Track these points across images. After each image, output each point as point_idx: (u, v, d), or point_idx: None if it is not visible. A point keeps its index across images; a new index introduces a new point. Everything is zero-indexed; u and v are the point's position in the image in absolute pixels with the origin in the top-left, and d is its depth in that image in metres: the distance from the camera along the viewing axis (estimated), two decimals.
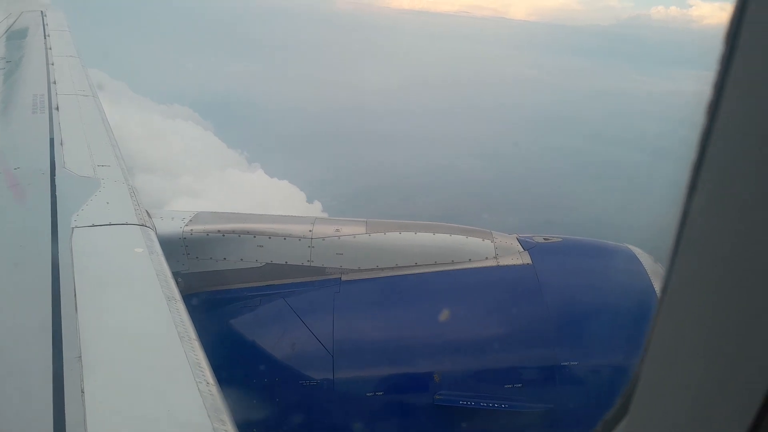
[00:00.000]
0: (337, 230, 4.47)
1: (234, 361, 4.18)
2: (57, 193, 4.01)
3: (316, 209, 58.64)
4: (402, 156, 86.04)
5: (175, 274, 3.32)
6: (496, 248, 4.40)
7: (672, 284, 0.67)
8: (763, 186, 0.56)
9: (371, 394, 4.08)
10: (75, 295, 2.82)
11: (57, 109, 5.93)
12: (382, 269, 4.42)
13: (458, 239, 4.44)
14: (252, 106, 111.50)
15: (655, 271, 4.13)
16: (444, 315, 4.24)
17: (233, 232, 4.48)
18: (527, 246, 4.45)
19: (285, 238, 4.45)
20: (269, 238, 4.45)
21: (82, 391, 2.21)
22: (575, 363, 3.97)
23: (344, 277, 4.43)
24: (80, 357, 2.40)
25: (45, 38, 9.89)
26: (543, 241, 4.54)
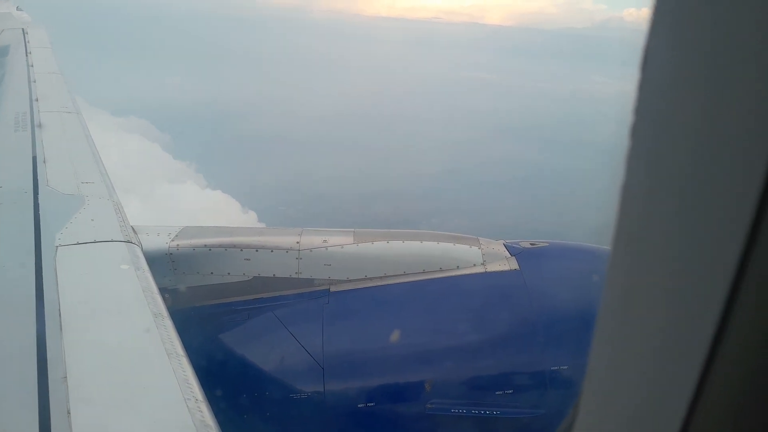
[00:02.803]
0: (325, 241, 4.46)
1: (223, 376, 4.14)
2: (40, 212, 3.97)
3: (251, 219, 56.65)
4: (356, 164, 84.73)
5: (162, 290, 3.30)
6: (484, 255, 4.42)
7: (607, 291, 0.68)
8: (684, 184, 0.56)
9: (362, 405, 4.07)
10: (60, 314, 2.80)
11: (40, 126, 5.88)
12: (371, 279, 4.42)
13: (445, 247, 4.45)
14: (217, 118, 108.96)
15: None
16: (433, 323, 4.25)
17: (220, 246, 4.46)
18: (514, 251, 4.47)
19: (272, 251, 4.43)
20: (256, 251, 4.43)
21: (69, 412, 2.19)
22: (565, 367, 3.99)
23: (333, 288, 4.42)
24: (66, 377, 2.37)
25: (27, 55, 9.81)
26: (530, 246, 4.57)
